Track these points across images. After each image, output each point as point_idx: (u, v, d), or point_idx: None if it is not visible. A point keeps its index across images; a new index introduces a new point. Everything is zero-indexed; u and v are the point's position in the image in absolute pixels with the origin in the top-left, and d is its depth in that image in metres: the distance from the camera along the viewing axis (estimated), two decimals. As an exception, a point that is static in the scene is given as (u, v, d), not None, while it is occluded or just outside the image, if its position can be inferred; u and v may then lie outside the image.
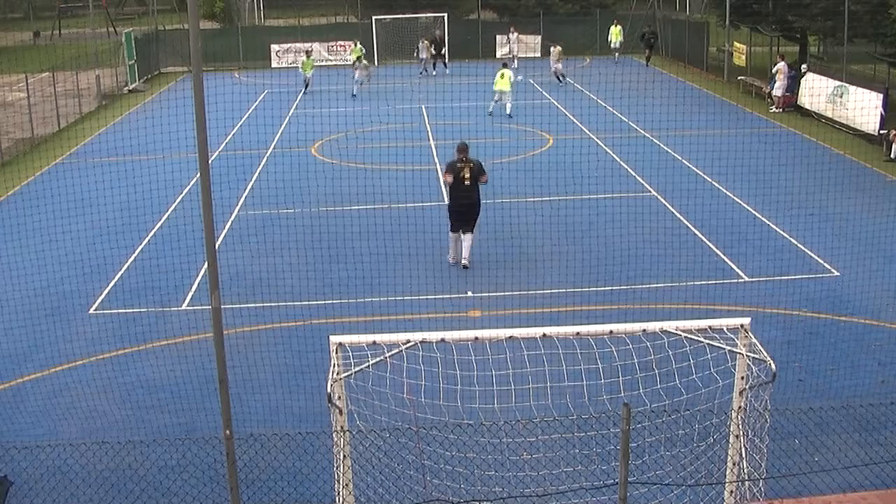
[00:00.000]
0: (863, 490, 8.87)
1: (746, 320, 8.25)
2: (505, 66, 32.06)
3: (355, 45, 39.78)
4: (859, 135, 26.01)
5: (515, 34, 43.80)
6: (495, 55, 44.33)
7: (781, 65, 30.88)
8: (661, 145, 25.91)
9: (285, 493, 9.79)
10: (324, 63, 44.17)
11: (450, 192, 16.69)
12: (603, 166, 22.22)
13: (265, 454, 10.03)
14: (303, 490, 9.66)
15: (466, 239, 16.48)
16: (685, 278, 15.78)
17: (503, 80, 30.12)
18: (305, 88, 36.03)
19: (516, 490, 8.96)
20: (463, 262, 16.49)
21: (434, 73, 41.14)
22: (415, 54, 42.24)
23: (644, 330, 8.24)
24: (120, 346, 13.85)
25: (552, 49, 37.72)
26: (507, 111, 30.17)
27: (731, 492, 8.48)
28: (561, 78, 36.89)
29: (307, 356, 12.80)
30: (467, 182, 16.24)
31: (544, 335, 8.10)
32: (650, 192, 21.37)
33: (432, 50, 41.29)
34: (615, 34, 43.44)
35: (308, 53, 38.16)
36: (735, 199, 20.65)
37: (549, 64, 38.07)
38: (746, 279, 15.97)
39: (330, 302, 15.37)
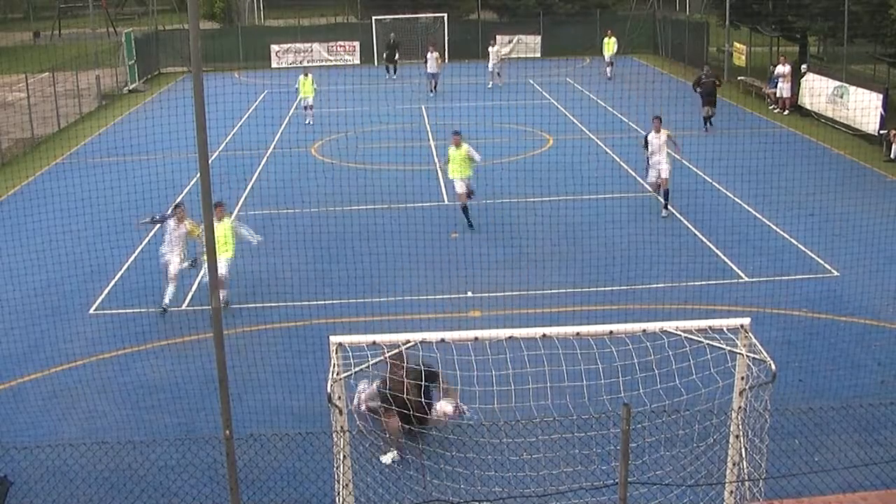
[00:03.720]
0: (863, 490, 8.87)
1: (746, 320, 8.25)
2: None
3: (306, 75, 30.94)
4: (859, 135, 25.99)
5: (497, 45, 39.11)
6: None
7: (787, 67, 30.81)
8: (661, 145, 25.85)
9: (285, 494, 9.80)
10: (323, 63, 44.34)
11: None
12: (603, 166, 22.21)
13: (265, 454, 10.03)
14: (303, 490, 9.66)
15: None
16: (685, 278, 15.78)
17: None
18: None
19: (516, 490, 8.96)
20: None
21: (395, 77, 40.06)
22: (426, 68, 36.52)
23: (644, 330, 8.25)
24: (120, 346, 13.85)
25: (656, 134, 19.66)
26: None
27: (731, 492, 8.48)
28: (665, 195, 19.67)
29: (307, 356, 12.79)
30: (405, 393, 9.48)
31: (544, 335, 8.10)
32: (650, 192, 21.34)
33: (440, 61, 36.50)
34: (608, 46, 39.17)
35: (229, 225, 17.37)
36: (735, 199, 20.64)
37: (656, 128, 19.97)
38: (746, 279, 15.96)
39: (330, 302, 15.37)
